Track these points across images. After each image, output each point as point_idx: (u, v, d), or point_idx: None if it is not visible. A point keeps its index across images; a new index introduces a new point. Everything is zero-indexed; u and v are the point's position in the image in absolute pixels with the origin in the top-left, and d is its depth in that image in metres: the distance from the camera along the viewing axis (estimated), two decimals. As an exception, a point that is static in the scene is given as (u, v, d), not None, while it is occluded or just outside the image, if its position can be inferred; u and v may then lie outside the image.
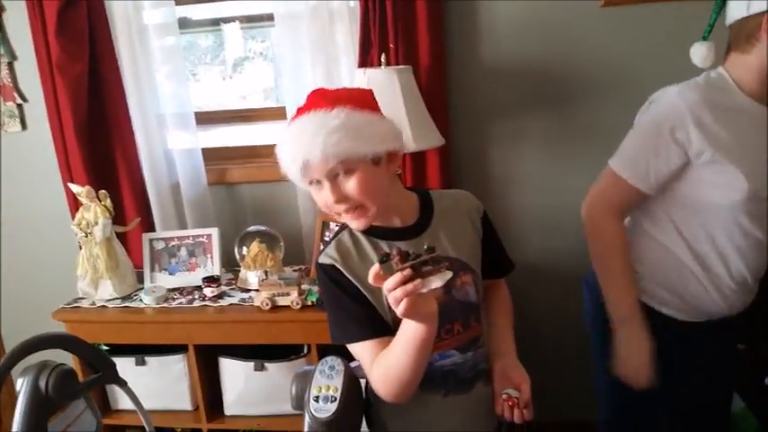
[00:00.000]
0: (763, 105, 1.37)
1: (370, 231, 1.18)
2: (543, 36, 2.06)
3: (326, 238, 2.10)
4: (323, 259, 1.18)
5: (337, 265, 1.16)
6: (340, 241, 1.20)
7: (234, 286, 2.13)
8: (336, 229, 1.26)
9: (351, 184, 1.09)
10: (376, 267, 0.95)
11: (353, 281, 1.15)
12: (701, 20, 1.90)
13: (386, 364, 1.09)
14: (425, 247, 0.93)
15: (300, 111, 1.11)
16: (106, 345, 2.10)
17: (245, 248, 2.13)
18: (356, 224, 1.14)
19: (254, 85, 2.63)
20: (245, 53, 2.59)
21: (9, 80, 2.36)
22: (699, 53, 1.47)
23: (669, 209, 1.47)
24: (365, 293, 1.14)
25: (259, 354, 2.01)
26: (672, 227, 1.47)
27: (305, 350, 2.00)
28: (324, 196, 1.11)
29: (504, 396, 1.18)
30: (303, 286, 1.97)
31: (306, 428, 1.15)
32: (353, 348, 1.16)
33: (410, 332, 1.03)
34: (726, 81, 1.40)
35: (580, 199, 2.11)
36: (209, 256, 2.17)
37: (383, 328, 1.13)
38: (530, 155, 2.18)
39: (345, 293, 1.15)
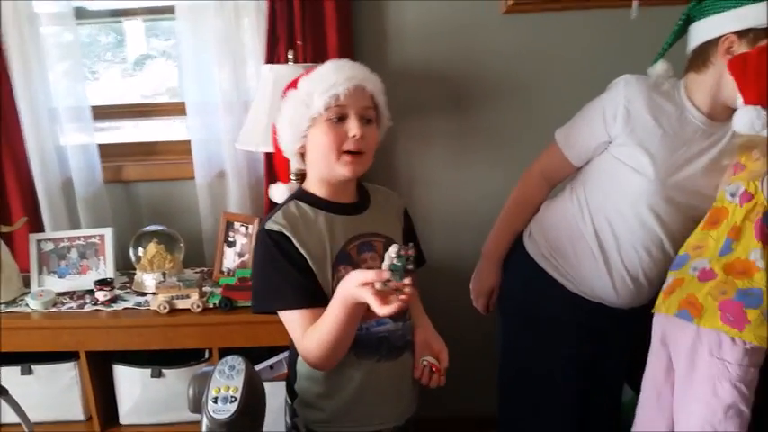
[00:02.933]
0: (707, 119, 1.44)
1: (315, 203, 1.27)
2: (448, 40, 2.10)
3: (230, 239, 2.05)
4: (270, 226, 1.22)
5: (286, 232, 1.21)
6: (287, 210, 1.26)
7: (129, 290, 2.02)
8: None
9: (367, 131, 1.22)
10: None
11: (301, 249, 1.20)
12: (595, 28, 2.02)
13: (320, 331, 1.16)
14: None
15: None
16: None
17: (141, 249, 2.04)
18: (352, 168, 1.22)
19: (157, 84, 2.52)
20: (147, 51, 2.48)
21: None
22: (658, 70, 1.52)
23: (586, 185, 1.57)
24: (310, 263, 1.20)
25: (157, 360, 1.92)
26: (584, 202, 1.56)
27: (206, 355, 1.93)
28: (345, 130, 1.20)
29: (425, 362, 1.31)
30: (205, 288, 1.90)
31: (204, 430, 1.10)
32: (286, 316, 1.23)
33: (349, 309, 1.12)
34: (677, 89, 1.48)
35: (482, 199, 2.20)
36: (101, 257, 2.06)
37: (319, 298, 1.20)
38: (435, 155, 2.22)
39: (289, 261, 1.20)
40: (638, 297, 1.56)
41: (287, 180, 1.42)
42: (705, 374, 1.29)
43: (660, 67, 1.51)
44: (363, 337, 1.26)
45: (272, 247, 1.21)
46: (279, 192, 1.40)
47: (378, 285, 1.04)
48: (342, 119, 1.20)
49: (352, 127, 1.19)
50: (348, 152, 1.21)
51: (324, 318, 1.16)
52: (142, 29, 2.40)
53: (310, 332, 1.18)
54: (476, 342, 2.12)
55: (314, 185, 1.29)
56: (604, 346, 1.64)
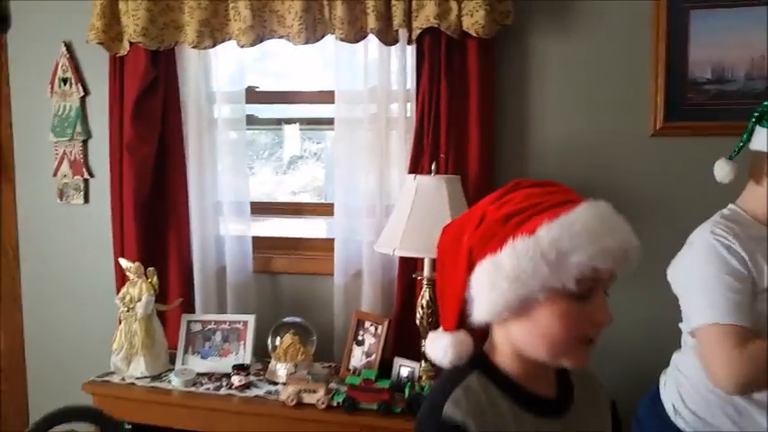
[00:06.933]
0: None
1: (504, 386, 0.93)
2: (590, 159, 2.10)
3: (360, 338, 2.09)
4: (450, 410, 0.88)
5: (470, 426, 0.87)
6: (470, 389, 0.91)
7: (262, 377, 2.11)
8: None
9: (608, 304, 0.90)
10: None
11: None
12: (747, 156, 1.92)
13: None
14: None
15: (573, 199, 0.91)
16: (129, 423, 2.08)
17: (278, 339, 2.14)
18: (584, 361, 0.91)
19: (305, 182, 2.73)
20: (301, 152, 2.70)
21: (81, 156, 2.52)
22: (722, 170, 1.47)
23: None
24: None
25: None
26: None
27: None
28: (589, 311, 0.87)
29: None
30: (331, 385, 1.94)
31: None
32: None
33: None
34: (740, 215, 1.42)
35: (633, 329, 2.07)
36: (242, 342, 2.18)
37: None
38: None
39: None
40: None
41: (453, 328, 0.98)
42: None
43: (729, 167, 1.44)
44: None
45: None
46: (439, 346, 0.97)
47: None
48: (586, 294, 0.87)
49: (603, 310, 0.88)
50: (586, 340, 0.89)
51: None
52: (298, 132, 2.63)
53: None
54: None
55: (506, 357, 0.95)
56: None
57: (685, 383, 1.49)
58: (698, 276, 1.40)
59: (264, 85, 2.49)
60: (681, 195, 2.04)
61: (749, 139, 1.43)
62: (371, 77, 2.20)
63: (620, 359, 2.10)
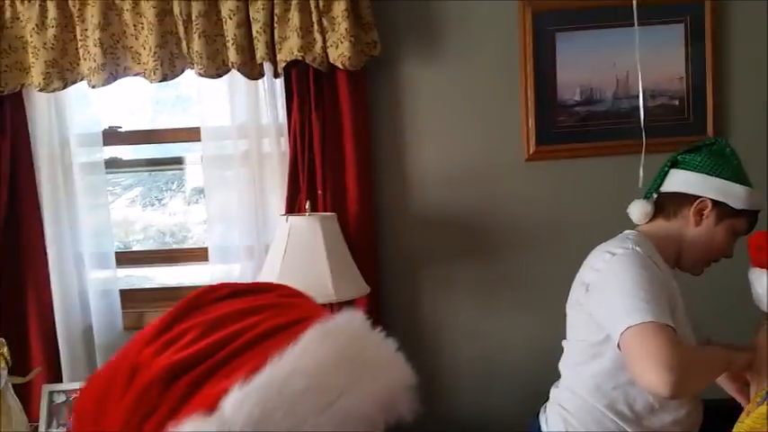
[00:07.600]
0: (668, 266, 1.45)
1: None
2: (469, 186, 2.08)
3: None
4: None
5: None
6: None
7: (137, 446, 1.93)
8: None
9: None
10: None
11: None
12: (619, 174, 1.96)
13: None
14: None
15: (304, 317, 0.51)
16: None
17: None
18: None
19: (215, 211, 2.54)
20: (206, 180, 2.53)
21: None
22: (641, 210, 1.50)
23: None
24: None
25: None
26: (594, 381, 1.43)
27: None
28: None
29: None
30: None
31: None
32: None
33: None
34: (646, 240, 1.45)
35: (512, 347, 2.07)
36: (112, 411, 1.99)
37: None
38: (460, 303, 2.13)
39: None
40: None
41: None
42: None
43: (649, 207, 1.49)
44: None
45: None
46: None
47: None
48: None
49: None
50: None
51: None
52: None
53: None
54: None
55: None
56: None
57: (571, 420, 1.47)
58: (625, 279, 1.33)
59: (128, 126, 2.31)
60: (559, 218, 2.06)
61: (662, 182, 1.51)
62: (239, 113, 2.08)
63: (511, 382, 2.09)
